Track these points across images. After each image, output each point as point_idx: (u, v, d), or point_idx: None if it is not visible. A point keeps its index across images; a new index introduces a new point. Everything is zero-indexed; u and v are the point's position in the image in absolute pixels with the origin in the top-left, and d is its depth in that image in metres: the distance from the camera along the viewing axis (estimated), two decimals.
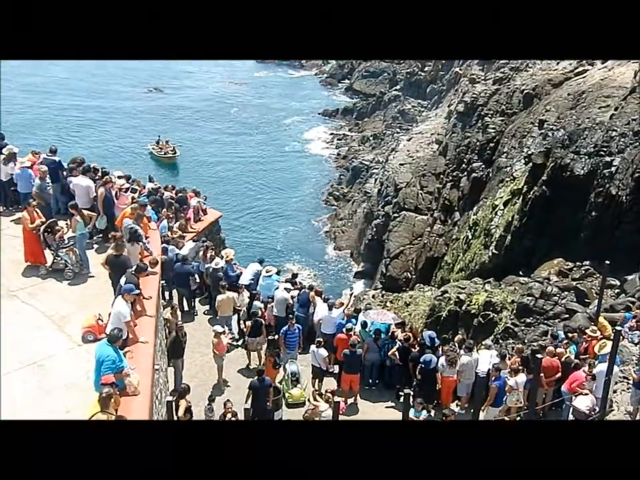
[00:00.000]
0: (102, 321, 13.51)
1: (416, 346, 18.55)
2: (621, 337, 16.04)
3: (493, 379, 16.69)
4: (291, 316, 19.41)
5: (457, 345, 18.65)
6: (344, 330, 18.75)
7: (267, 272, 22.03)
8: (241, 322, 20.42)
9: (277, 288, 21.26)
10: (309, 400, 17.55)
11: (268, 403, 16.40)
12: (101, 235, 18.02)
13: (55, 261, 16.07)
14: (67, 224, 16.71)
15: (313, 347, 18.44)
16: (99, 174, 19.67)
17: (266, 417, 16.29)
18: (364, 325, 19.26)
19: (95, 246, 17.74)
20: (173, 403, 13.27)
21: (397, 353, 18.53)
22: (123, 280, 13.57)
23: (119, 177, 21.85)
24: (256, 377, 16.58)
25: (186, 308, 21.97)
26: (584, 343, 18.31)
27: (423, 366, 17.73)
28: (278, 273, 22.92)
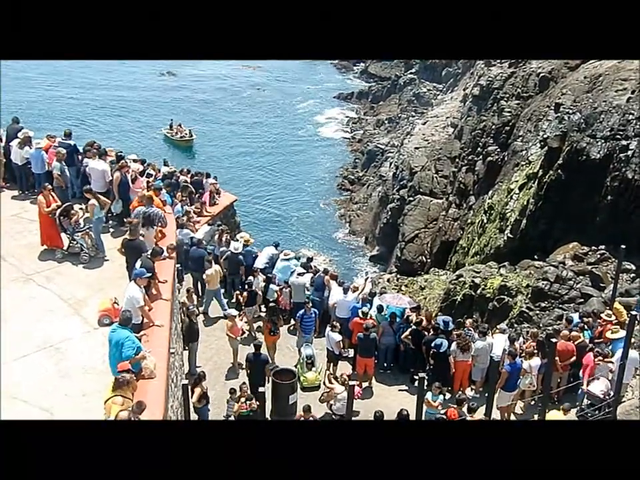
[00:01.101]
0: (118, 305, 13.60)
1: (430, 329, 18.54)
2: (636, 322, 15.98)
3: (507, 362, 16.67)
4: (307, 300, 19.49)
5: (472, 328, 18.64)
6: (360, 313, 18.75)
7: (285, 255, 22.13)
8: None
9: (293, 272, 21.36)
10: (324, 383, 17.62)
11: (266, 378, 16.75)
12: (117, 219, 18.12)
13: (71, 244, 16.19)
14: (81, 208, 16.80)
15: (327, 330, 18.49)
16: (114, 158, 19.73)
17: (282, 401, 16.41)
18: (380, 308, 19.25)
19: (111, 230, 17.84)
20: (189, 388, 13.34)
21: (410, 336, 18.53)
22: (138, 264, 13.64)
23: (134, 161, 21.92)
24: (252, 351, 16.99)
25: (201, 292, 22.04)
26: (599, 327, 18.27)
27: (434, 350, 17.76)
28: (298, 259, 22.96)
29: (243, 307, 20.24)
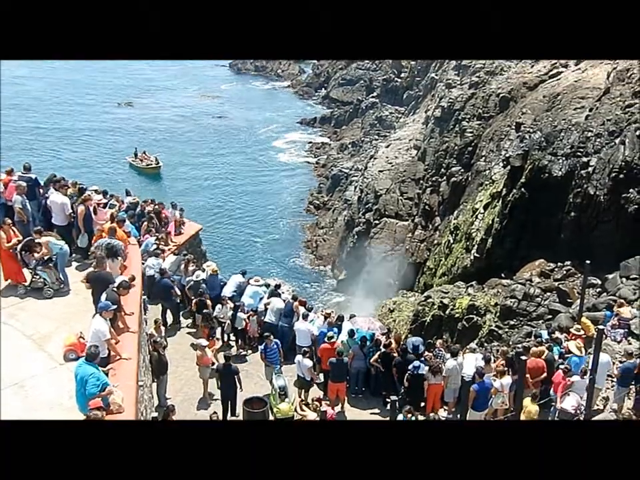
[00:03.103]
0: (83, 339, 13.34)
1: (399, 352, 18.47)
2: (604, 336, 16.14)
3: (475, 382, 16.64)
4: (267, 333, 19.24)
5: (442, 349, 18.61)
6: (325, 339, 18.66)
7: (255, 281, 22.11)
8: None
9: (262, 297, 21.31)
10: (296, 410, 17.45)
11: (238, 388, 17.43)
12: (82, 253, 17.81)
13: (34, 279, 15.86)
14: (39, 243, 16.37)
15: (298, 357, 18.34)
16: (76, 190, 19.43)
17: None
18: (351, 333, 19.16)
19: (76, 264, 17.54)
20: None
21: (379, 359, 18.44)
22: (103, 297, 13.42)
23: (96, 192, 21.72)
24: (222, 362, 17.58)
25: (169, 321, 21.84)
26: (567, 343, 18.39)
27: (412, 372, 17.62)
28: (267, 286, 22.86)
29: (195, 315, 21.24)
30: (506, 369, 17.23)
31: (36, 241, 15.93)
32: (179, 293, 21.75)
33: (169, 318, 21.99)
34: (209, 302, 20.99)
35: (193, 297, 21.52)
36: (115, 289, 13.86)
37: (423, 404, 17.97)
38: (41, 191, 19.04)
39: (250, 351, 20.91)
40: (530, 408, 15.65)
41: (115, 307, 13.26)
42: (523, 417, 15.60)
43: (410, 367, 17.71)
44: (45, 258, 15.89)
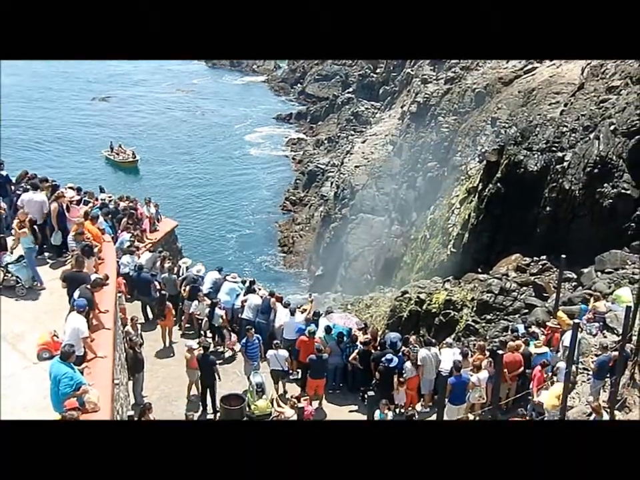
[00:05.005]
0: (57, 337, 13.17)
1: (377, 347, 18.45)
2: (579, 329, 16.20)
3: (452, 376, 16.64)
4: (249, 326, 19.16)
5: (417, 344, 18.62)
6: (306, 333, 18.56)
7: (232, 278, 22.01)
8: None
9: (239, 294, 21.22)
10: (273, 406, 17.38)
11: (216, 377, 17.52)
12: (55, 251, 17.57)
13: (6, 278, 15.60)
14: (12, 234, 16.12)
15: (271, 352, 18.24)
16: (49, 188, 19.17)
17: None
18: (328, 329, 19.09)
19: (50, 262, 17.30)
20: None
21: (357, 357, 18.40)
22: (76, 294, 13.25)
23: (70, 189, 21.48)
24: (202, 352, 17.56)
25: (150, 316, 21.70)
26: (544, 337, 18.47)
27: (383, 365, 17.55)
28: (243, 283, 22.74)
29: (185, 301, 21.20)
30: (485, 362, 17.23)
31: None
32: (158, 287, 21.63)
33: (149, 314, 21.85)
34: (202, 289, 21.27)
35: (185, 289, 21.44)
36: (87, 287, 13.70)
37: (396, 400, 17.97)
38: (12, 187, 18.78)
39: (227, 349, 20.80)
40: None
41: (90, 305, 13.13)
42: (555, 402, 15.34)
43: (382, 359, 17.66)
44: (17, 256, 15.68)
